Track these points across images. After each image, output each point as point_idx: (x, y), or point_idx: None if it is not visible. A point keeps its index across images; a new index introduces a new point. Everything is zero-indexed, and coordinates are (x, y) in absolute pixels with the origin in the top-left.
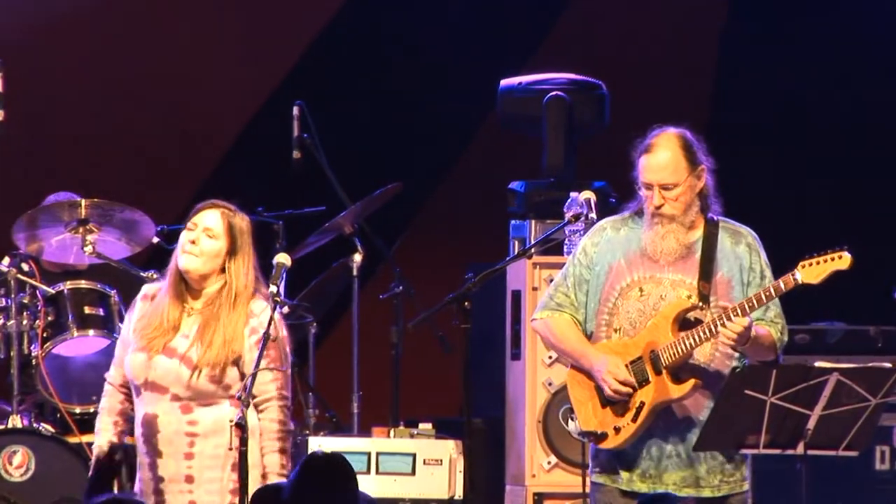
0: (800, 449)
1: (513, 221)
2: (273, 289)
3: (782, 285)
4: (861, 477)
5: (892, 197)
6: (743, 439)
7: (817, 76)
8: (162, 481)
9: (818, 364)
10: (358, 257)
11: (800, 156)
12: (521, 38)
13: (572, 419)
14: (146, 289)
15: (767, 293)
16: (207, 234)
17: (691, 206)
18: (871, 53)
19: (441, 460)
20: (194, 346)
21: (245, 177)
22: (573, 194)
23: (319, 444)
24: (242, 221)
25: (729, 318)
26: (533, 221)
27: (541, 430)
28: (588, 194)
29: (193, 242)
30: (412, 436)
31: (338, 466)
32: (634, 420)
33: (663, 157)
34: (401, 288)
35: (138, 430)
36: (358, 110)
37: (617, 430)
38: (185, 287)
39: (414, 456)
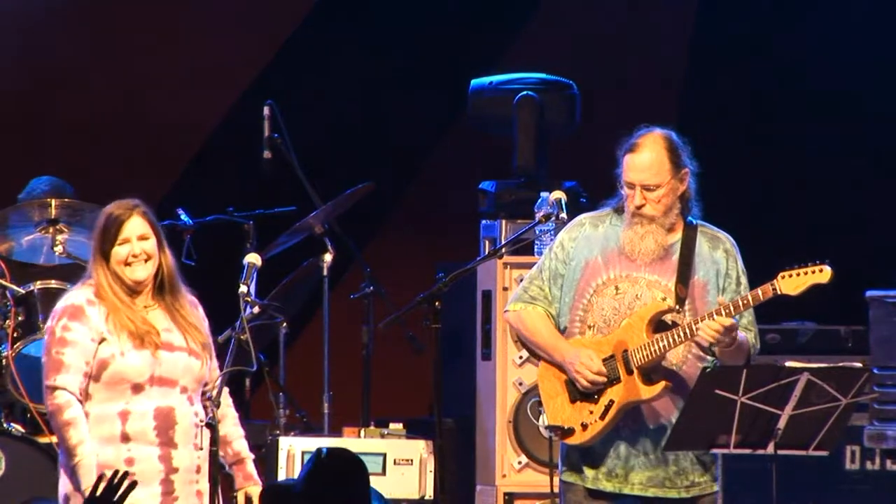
0: (770, 448)
1: (483, 221)
2: (243, 289)
3: (760, 294)
4: (831, 476)
5: (862, 199)
6: (713, 439)
7: (789, 75)
8: (175, 472)
9: (789, 364)
10: (328, 257)
11: (769, 156)
12: (491, 38)
13: (541, 412)
14: (82, 296)
15: (745, 301)
16: (142, 239)
17: (672, 208)
18: (843, 52)
19: (411, 460)
20: (186, 338)
21: (215, 177)
22: (544, 194)
23: (290, 444)
24: (148, 209)
25: (713, 318)
26: (503, 221)
27: (511, 430)
28: (559, 194)
29: (136, 255)
30: (383, 436)
31: (350, 462)
32: (602, 418)
33: (647, 158)
34: (371, 288)
35: (146, 424)
36: (328, 110)
37: (584, 426)
38: (126, 290)
39: (384, 456)
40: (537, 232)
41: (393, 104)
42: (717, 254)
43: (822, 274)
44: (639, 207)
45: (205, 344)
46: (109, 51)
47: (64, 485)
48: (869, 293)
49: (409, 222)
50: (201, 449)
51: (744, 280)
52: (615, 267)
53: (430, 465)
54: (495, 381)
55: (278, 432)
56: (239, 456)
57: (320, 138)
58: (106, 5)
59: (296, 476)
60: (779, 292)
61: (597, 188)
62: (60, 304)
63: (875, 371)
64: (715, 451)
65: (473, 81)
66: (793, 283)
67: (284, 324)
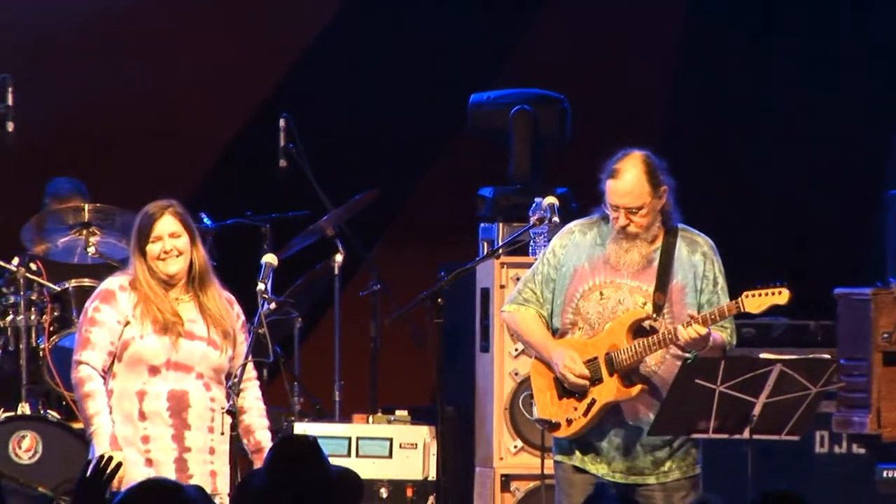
0: (746, 434)
1: (482, 224)
2: (261, 287)
3: (727, 310)
4: (802, 459)
5: (833, 201)
6: (694, 425)
7: (776, 90)
8: (188, 451)
9: (763, 355)
10: (339, 258)
11: (754, 163)
12: (489, 56)
13: (532, 405)
14: (116, 282)
15: (713, 316)
16: (174, 237)
17: (654, 223)
18: (833, 61)
19: (416, 444)
20: (209, 329)
21: (235, 183)
22: (538, 199)
23: (304, 429)
24: (183, 209)
25: (690, 326)
26: (500, 224)
27: (507, 417)
28: (551, 199)
29: (168, 251)
30: (389, 422)
31: (304, 446)
32: (585, 415)
33: (628, 183)
34: (379, 286)
35: (160, 405)
36: (340, 122)
37: (569, 421)
38: (160, 283)
39: (391, 440)
40: (532, 234)
41: (399, 117)
42: (696, 257)
43: (780, 296)
44: (623, 227)
45: (228, 335)
46: (136, 65)
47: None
48: (837, 291)
49: (413, 225)
50: (222, 434)
51: (721, 280)
52: (600, 274)
53: (433, 449)
54: (493, 371)
55: (293, 418)
56: (259, 445)
57: (332, 148)
58: (131, 21)
59: None
60: (742, 310)
61: (586, 194)
62: (98, 288)
63: (842, 362)
64: (695, 435)
65: (473, 95)
66: (755, 302)
67: (299, 319)
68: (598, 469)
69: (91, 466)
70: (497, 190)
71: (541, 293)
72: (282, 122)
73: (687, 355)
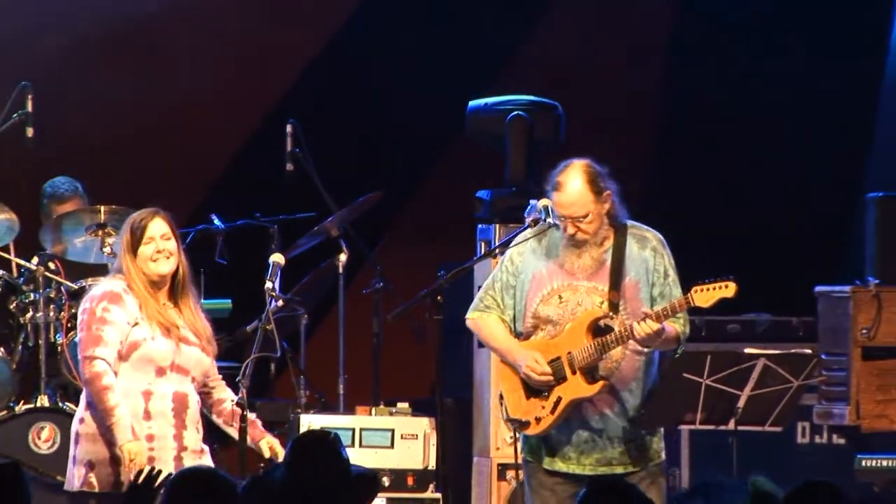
0: (731, 425)
1: (479, 225)
2: (269, 285)
3: (678, 305)
4: (785, 450)
5: (814, 202)
6: (681, 416)
7: (764, 91)
8: (185, 450)
9: (747, 350)
10: (343, 257)
11: (740, 165)
12: (486, 64)
13: (504, 405)
14: (119, 285)
15: (665, 312)
16: (165, 238)
17: (601, 226)
18: (819, 63)
19: (417, 435)
20: (199, 335)
21: (244, 186)
22: (533, 202)
23: (310, 421)
24: (171, 217)
25: (644, 322)
26: (497, 225)
27: (501, 416)
28: (546, 202)
29: (160, 251)
30: (391, 414)
31: (325, 442)
32: (552, 412)
33: (571, 195)
34: (381, 284)
35: (165, 405)
36: (344, 128)
37: (538, 419)
38: (149, 287)
39: (393, 431)
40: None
41: (400, 122)
42: (646, 252)
43: (727, 289)
44: (572, 235)
45: (210, 342)
46: (150, 72)
47: (87, 451)
48: (818, 288)
49: (414, 226)
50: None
51: (672, 273)
52: (557, 278)
53: (433, 440)
54: (490, 366)
55: (299, 411)
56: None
57: (337, 152)
58: (146, 29)
59: None
60: (692, 304)
61: None
62: (98, 290)
63: (823, 357)
64: (682, 426)
65: (471, 102)
66: (705, 296)
67: (305, 316)
68: (569, 466)
69: (141, 476)
70: (494, 192)
71: (501, 300)
72: (289, 128)
73: (645, 350)
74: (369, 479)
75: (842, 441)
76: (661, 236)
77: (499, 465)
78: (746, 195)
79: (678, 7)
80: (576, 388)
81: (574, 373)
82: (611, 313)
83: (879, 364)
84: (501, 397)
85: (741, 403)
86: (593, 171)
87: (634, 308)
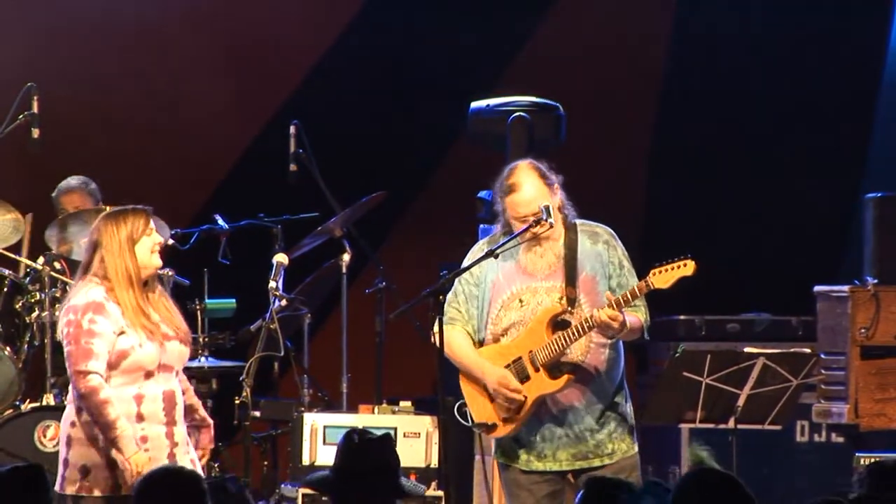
0: (731, 423)
1: (481, 226)
2: (273, 284)
3: (637, 290)
4: (784, 448)
5: (814, 203)
6: (682, 415)
7: (763, 93)
8: (176, 446)
9: (747, 350)
10: (346, 257)
11: (740, 166)
12: (488, 66)
13: (467, 413)
14: (100, 293)
15: (625, 298)
16: (155, 232)
17: (558, 221)
18: (816, 63)
19: (419, 433)
20: (174, 328)
21: (248, 186)
22: None
23: (313, 419)
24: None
25: (602, 309)
26: (498, 226)
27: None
28: (546, 202)
29: (158, 243)
30: (394, 412)
31: (382, 441)
32: (518, 412)
33: (527, 193)
34: (384, 284)
35: (157, 406)
36: (347, 129)
37: (504, 420)
38: (137, 285)
39: (395, 430)
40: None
41: (403, 123)
42: (599, 246)
43: (686, 268)
44: (543, 233)
45: (186, 331)
46: (155, 74)
47: (81, 456)
48: (816, 288)
49: (416, 226)
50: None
51: (626, 263)
52: (515, 282)
53: (435, 438)
54: None
55: (303, 409)
56: (206, 421)
57: (340, 153)
58: (150, 30)
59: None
60: (652, 287)
61: (578, 197)
62: (80, 301)
63: (822, 356)
64: (683, 425)
65: (473, 104)
66: (663, 278)
67: (308, 315)
68: (546, 464)
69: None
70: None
71: (466, 311)
72: (292, 129)
73: (610, 341)
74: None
75: (840, 439)
76: (611, 230)
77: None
78: (746, 195)
79: (678, 8)
80: (540, 384)
81: (537, 370)
82: (569, 308)
83: (878, 363)
84: (463, 405)
85: (741, 402)
86: (540, 166)
87: (594, 302)
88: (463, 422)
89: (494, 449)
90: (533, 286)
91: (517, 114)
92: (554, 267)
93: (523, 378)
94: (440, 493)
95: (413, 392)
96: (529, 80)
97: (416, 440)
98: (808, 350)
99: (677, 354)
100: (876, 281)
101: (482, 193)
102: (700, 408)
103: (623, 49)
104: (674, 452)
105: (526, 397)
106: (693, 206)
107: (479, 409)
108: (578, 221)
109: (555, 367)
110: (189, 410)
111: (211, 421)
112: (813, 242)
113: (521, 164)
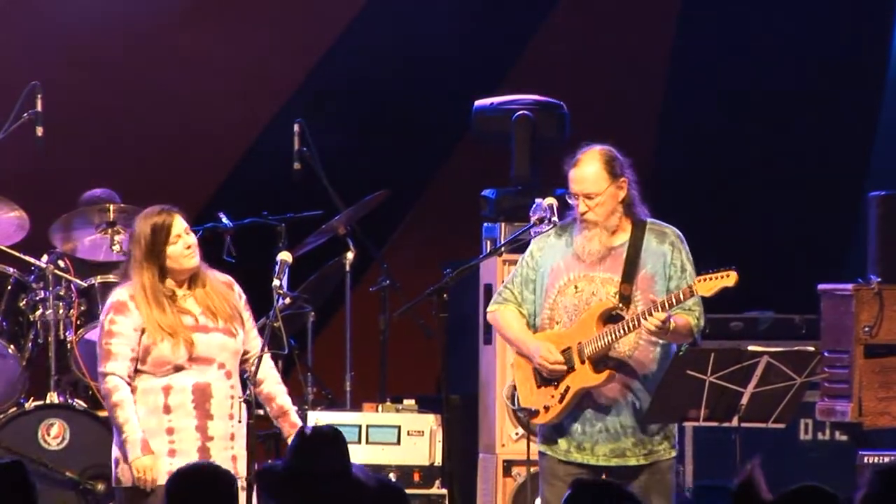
0: (735, 422)
1: (485, 224)
2: (276, 282)
3: (682, 295)
4: (788, 446)
5: (818, 201)
6: (685, 413)
7: (767, 91)
8: (211, 440)
9: (751, 348)
10: (350, 255)
11: (744, 164)
12: (492, 65)
13: (515, 396)
14: (126, 293)
15: (670, 300)
16: (188, 233)
17: (613, 212)
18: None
19: (423, 432)
20: (219, 318)
21: (252, 184)
22: (538, 200)
23: (317, 417)
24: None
25: (650, 314)
26: (503, 224)
27: (509, 406)
28: (551, 200)
29: (189, 247)
30: (397, 410)
31: (328, 440)
32: (561, 401)
33: (586, 171)
34: (388, 282)
35: (184, 398)
36: (351, 127)
37: (546, 408)
38: (164, 281)
39: (399, 428)
40: (532, 233)
41: (407, 121)
42: (664, 247)
43: (729, 279)
44: (583, 214)
45: (234, 318)
46: (160, 73)
47: (115, 451)
48: (820, 286)
49: (420, 225)
50: (239, 421)
51: (689, 267)
52: (573, 269)
53: (439, 436)
54: (495, 362)
55: (307, 407)
56: (283, 409)
57: (343, 151)
58: (155, 31)
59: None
60: (696, 294)
61: None
62: (109, 301)
63: (825, 354)
64: (686, 423)
65: (477, 102)
66: (707, 285)
67: (312, 313)
68: (584, 457)
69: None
70: (499, 191)
71: (520, 293)
72: (296, 128)
73: (661, 340)
74: (395, 494)
75: (844, 438)
76: (679, 232)
77: (504, 461)
78: (749, 193)
79: (682, 8)
80: (583, 377)
81: (583, 362)
82: (621, 304)
83: (882, 361)
84: (514, 388)
85: (744, 400)
86: (614, 155)
87: (649, 301)
88: (509, 404)
89: (538, 437)
90: (590, 275)
91: (521, 112)
92: (603, 255)
93: (570, 368)
94: (444, 491)
95: (417, 390)
96: (533, 79)
97: (419, 438)
98: (811, 348)
99: (681, 353)
100: (880, 279)
101: (486, 192)
102: (703, 406)
103: (626, 48)
104: (678, 451)
105: (566, 374)
106: (696, 204)
107: (525, 394)
108: (649, 220)
109: (600, 361)
110: (266, 400)
111: (289, 407)
112: (817, 240)
113: (594, 147)
